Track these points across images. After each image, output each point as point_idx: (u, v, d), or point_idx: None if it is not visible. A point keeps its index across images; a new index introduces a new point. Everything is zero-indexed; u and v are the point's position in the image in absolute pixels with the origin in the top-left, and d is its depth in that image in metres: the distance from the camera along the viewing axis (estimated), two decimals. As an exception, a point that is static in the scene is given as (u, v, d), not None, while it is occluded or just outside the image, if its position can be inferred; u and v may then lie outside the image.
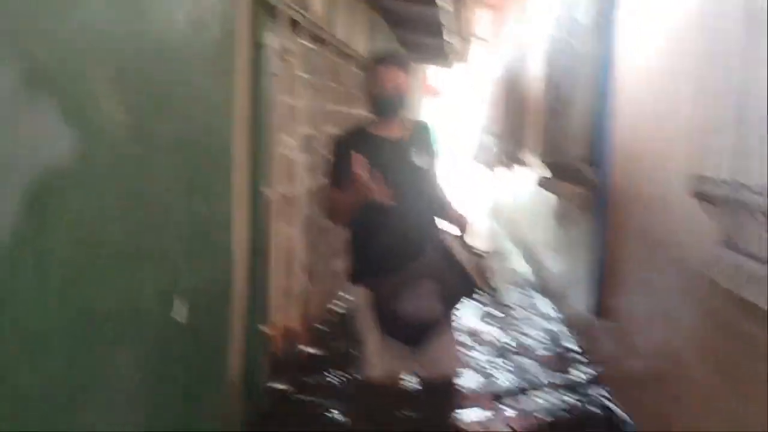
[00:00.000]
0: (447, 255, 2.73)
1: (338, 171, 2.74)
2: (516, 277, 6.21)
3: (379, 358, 2.91)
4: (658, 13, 2.76)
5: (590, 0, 3.75)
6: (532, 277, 5.99)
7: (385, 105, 2.74)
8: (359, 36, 4.83)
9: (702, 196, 1.96)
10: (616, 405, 3.06)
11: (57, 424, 1.46)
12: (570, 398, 3.24)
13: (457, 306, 2.88)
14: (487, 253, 2.96)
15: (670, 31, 2.57)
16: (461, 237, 2.84)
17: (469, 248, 2.83)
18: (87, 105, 1.53)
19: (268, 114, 2.71)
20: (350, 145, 2.76)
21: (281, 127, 2.90)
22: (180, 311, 2.06)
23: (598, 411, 3.10)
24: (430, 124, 3.10)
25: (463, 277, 2.74)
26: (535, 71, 5.86)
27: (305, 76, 3.21)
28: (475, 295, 2.84)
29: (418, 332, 2.77)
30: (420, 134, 2.91)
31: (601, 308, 3.48)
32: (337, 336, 3.89)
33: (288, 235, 3.04)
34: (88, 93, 1.54)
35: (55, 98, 1.40)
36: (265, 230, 2.81)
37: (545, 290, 5.35)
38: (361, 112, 4.63)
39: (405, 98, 2.82)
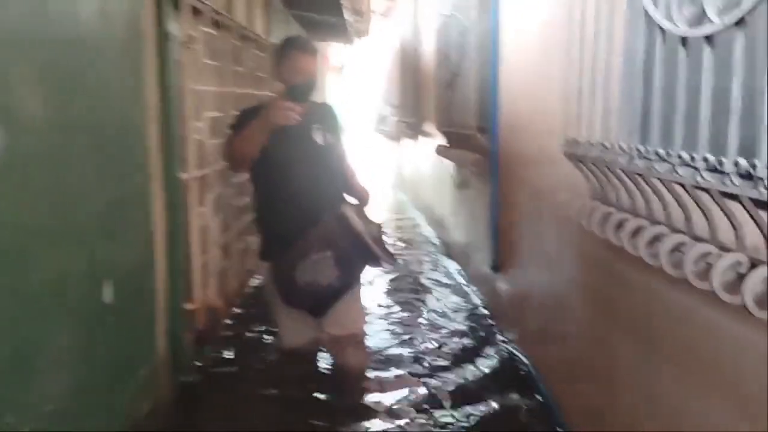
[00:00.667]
0: (345, 225, 2.86)
1: (239, 129, 2.85)
2: (421, 241, 6.53)
3: (288, 329, 3.08)
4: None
5: (474, -23, 4.01)
6: (436, 241, 6.31)
7: (299, 90, 2.84)
8: (258, 18, 4.93)
9: (574, 157, 2.24)
10: (518, 352, 3.38)
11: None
12: (475, 348, 3.56)
13: (358, 274, 3.05)
14: (382, 223, 3.13)
15: (542, 7, 2.85)
16: (360, 208, 2.99)
17: (366, 219, 2.97)
18: (8, 100, 1.63)
19: (177, 100, 2.83)
20: (252, 119, 2.86)
21: (190, 113, 3.01)
22: (106, 292, 2.19)
23: (503, 360, 3.41)
24: (332, 104, 3.26)
25: (361, 246, 2.86)
26: (428, 44, 6.11)
27: (210, 62, 3.32)
28: (374, 263, 3.00)
29: (318, 300, 2.94)
30: (322, 113, 3.06)
31: (499, 263, 3.79)
32: (256, 309, 4.07)
33: (203, 216, 3.17)
34: (8, 89, 1.64)
35: None
36: (181, 212, 2.94)
37: (449, 252, 5.67)
38: (265, 93, 4.75)
39: (315, 83, 2.96)
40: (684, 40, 1.51)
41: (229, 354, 3.43)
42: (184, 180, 2.95)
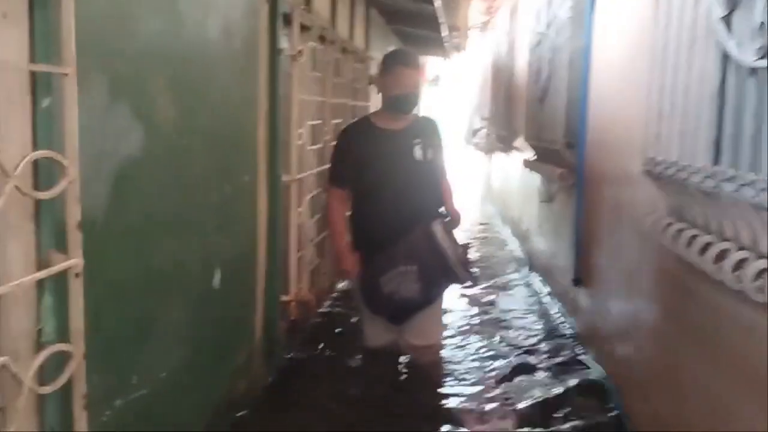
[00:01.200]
0: (432, 243, 2.97)
1: (340, 164, 3.07)
2: (507, 253, 6.63)
3: (370, 330, 3.24)
4: (623, 16, 3.15)
5: (568, -3, 4.13)
6: (521, 253, 6.40)
7: (404, 103, 3.02)
8: (358, 32, 5.21)
9: (652, 175, 2.35)
10: (594, 361, 3.47)
11: (128, 352, 1.85)
12: (555, 361, 3.66)
13: (441, 290, 3.15)
14: (470, 245, 3.23)
15: (630, 32, 2.96)
16: (449, 227, 3.11)
17: (454, 239, 3.09)
18: (148, 106, 1.91)
19: (283, 109, 3.10)
20: (356, 136, 3.07)
21: (294, 120, 3.29)
22: (215, 277, 2.46)
23: (579, 368, 3.51)
24: (435, 120, 3.33)
25: (444, 264, 2.98)
26: (521, 61, 6.24)
27: (313, 73, 3.59)
28: (456, 282, 3.13)
29: (398, 309, 3.08)
30: (425, 128, 3.18)
31: (582, 276, 3.88)
32: (343, 307, 4.32)
33: (300, 215, 3.43)
34: (149, 96, 1.92)
35: (128, 102, 1.78)
36: (282, 211, 3.20)
37: (533, 264, 5.76)
38: (359, 103, 5.01)
39: (418, 96, 3.10)
40: (753, 70, 1.63)
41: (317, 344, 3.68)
42: (286, 182, 3.21)
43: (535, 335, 4.10)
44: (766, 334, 1.69)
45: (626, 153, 2.89)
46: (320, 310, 4.14)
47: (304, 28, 3.35)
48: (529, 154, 5.44)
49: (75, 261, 1.38)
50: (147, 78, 1.90)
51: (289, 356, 3.42)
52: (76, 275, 1.38)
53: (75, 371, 1.41)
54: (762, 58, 1.57)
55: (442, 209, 3.21)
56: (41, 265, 1.35)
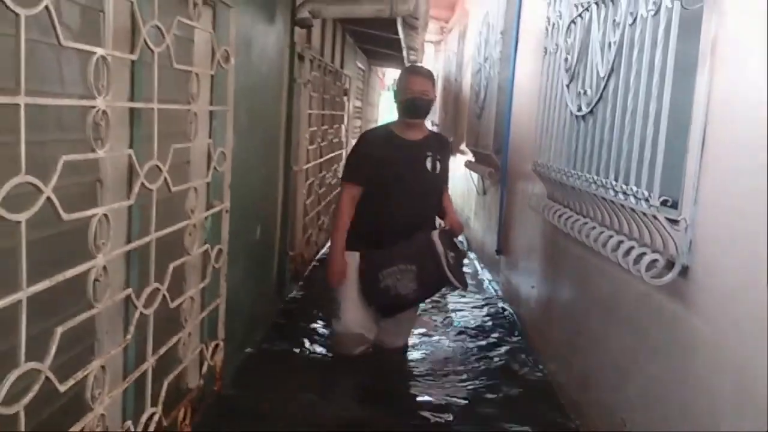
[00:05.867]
0: (431, 249, 3.22)
1: (358, 163, 3.40)
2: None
3: (353, 317, 3.43)
4: (528, 65, 4.58)
5: (498, 41, 5.55)
6: (461, 237, 7.83)
7: (414, 106, 3.28)
8: (337, 54, 6.54)
9: (537, 172, 3.76)
10: (510, 307, 4.89)
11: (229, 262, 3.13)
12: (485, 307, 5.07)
13: (432, 293, 3.45)
14: (466, 252, 3.79)
15: (531, 76, 4.37)
16: (451, 236, 3.39)
17: (452, 247, 3.35)
18: (238, 119, 3.18)
19: (295, 120, 4.43)
20: (376, 140, 3.47)
21: (302, 127, 4.62)
22: (258, 231, 3.77)
23: (500, 312, 4.93)
24: (448, 139, 3.92)
25: (439, 270, 3.20)
26: (466, 80, 7.67)
27: (313, 94, 4.93)
28: (450, 287, 3.43)
29: (391, 304, 3.30)
30: (437, 143, 3.53)
31: (502, 248, 5.30)
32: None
33: (303, 195, 4.77)
34: (238, 114, 3.19)
35: (234, 120, 3.08)
36: (291, 191, 4.53)
37: (470, 245, 7.20)
38: (337, 112, 6.34)
39: (430, 103, 3.38)
40: (577, 117, 3.04)
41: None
42: (295, 170, 4.54)
43: (474, 294, 5.49)
44: (597, 268, 3.11)
45: (527, 158, 4.31)
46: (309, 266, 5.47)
47: (307, 61, 4.68)
48: (469, 157, 6.86)
49: (226, 204, 2.69)
50: (239, 102, 3.19)
51: (290, 294, 4.74)
52: (226, 212, 2.70)
53: (222, 262, 2.72)
54: (579, 110, 2.98)
55: (440, 221, 3.50)
56: (208, 207, 2.65)
